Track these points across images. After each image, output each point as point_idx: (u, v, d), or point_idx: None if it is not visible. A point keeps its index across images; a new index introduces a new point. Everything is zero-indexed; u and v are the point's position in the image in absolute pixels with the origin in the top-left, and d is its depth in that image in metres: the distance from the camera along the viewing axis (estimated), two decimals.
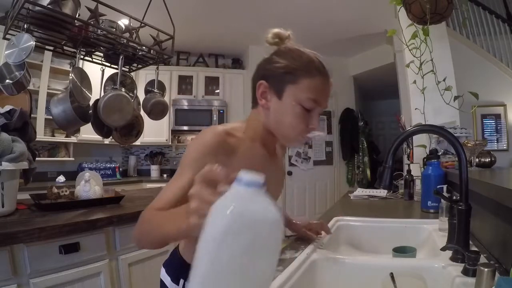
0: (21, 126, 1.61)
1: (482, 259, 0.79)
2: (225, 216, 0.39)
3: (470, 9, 3.98)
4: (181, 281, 0.85)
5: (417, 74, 2.17)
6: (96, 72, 2.14)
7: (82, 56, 2.04)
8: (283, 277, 0.74)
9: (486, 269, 0.56)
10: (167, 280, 0.90)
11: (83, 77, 1.94)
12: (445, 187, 1.38)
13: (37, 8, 1.57)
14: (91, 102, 2.05)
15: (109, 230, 1.55)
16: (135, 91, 2.31)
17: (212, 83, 4.68)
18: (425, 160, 1.90)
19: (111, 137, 2.33)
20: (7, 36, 1.72)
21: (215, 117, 4.52)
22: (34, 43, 1.55)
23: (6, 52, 1.55)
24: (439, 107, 2.14)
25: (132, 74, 2.50)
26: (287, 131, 0.81)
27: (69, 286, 1.37)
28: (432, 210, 1.45)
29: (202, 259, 0.40)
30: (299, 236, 1.07)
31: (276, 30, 0.87)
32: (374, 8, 3.38)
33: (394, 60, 3.92)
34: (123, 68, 2.15)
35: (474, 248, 0.86)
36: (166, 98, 2.79)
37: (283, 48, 0.85)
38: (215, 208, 0.41)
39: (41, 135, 3.31)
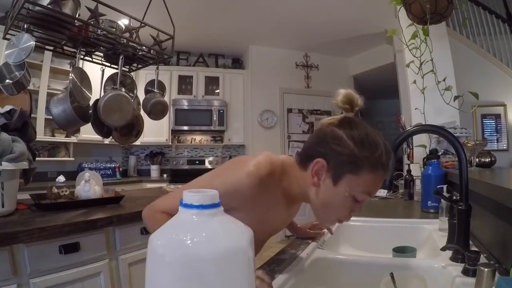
0: (21, 126, 1.61)
1: (482, 259, 0.79)
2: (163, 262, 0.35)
3: (470, 9, 3.98)
4: None
5: (417, 74, 2.17)
6: (96, 72, 2.13)
7: (82, 56, 2.04)
8: (283, 277, 0.74)
9: (486, 269, 0.56)
10: None
11: (83, 77, 1.94)
12: (445, 187, 1.38)
13: (37, 8, 1.57)
14: (91, 102, 2.05)
15: (109, 230, 1.55)
16: (135, 91, 2.31)
17: (212, 83, 4.68)
18: (425, 160, 1.90)
19: (111, 137, 2.33)
20: (7, 36, 1.72)
21: (215, 117, 4.52)
22: (34, 43, 1.55)
23: (6, 52, 1.55)
24: (439, 107, 2.14)
25: (132, 74, 2.50)
26: (329, 215, 0.78)
27: (69, 286, 1.37)
28: (432, 210, 1.45)
29: None
30: (306, 238, 1.07)
31: (347, 92, 0.78)
32: (374, 8, 3.38)
33: (394, 60, 3.92)
34: (123, 68, 2.15)
35: (474, 248, 0.86)
36: (166, 98, 2.79)
37: (357, 125, 0.75)
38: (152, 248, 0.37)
39: (41, 135, 3.31)
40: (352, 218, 1.32)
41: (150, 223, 0.79)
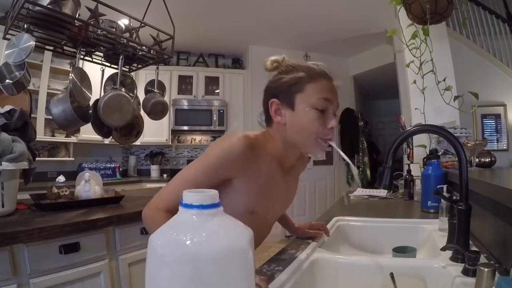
0: (21, 126, 1.61)
1: (482, 259, 0.79)
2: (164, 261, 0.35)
3: (470, 9, 3.97)
4: None
5: (417, 74, 2.17)
6: (96, 72, 2.13)
7: (82, 56, 2.04)
8: (283, 277, 0.74)
9: (486, 269, 0.56)
10: None
11: (83, 77, 1.94)
12: (445, 187, 1.38)
13: (37, 8, 1.57)
14: (91, 102, 2.05)
15: (109, 230, 1.55)
16: (135, 91, 2.31)
17: (212, 83, 4.68)
18: (425, 160, 1.90)
19: (111, 137, 2.33)
20: (7, 36, 1.72)
21: (215, 117, 4.52)
22: (34, 43, 1.55)
23: (6, 52, 1.55)
24: (439, 107, 2.14)
25: (132, 74, 2.50)
26: (308, 137, 0.82)
27: (69, 286, 1.37)
28: (432, 210, 1.45)
29: None
30: (306, 238, 1.09)
31: (271, 57, 0.90)
32: (374, 8, 3.38)
33: (394, 60, 3.91)
34: (123, 68, 2.15)
35: (474, 248, 0.86)
36: (166, 98, 2.79)
37: (283, 67, 0.88)
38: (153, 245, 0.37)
39: (41, 135, 3.31)
40: (352, 218, 1.34)
41: (150, 223, 0.79)
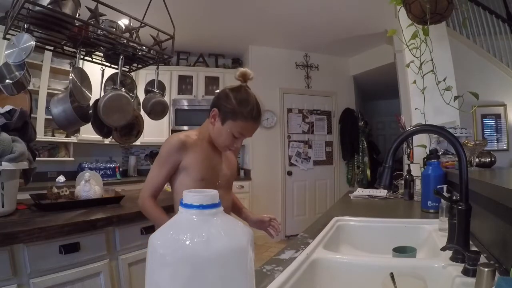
0: (21, 126, 1.61)
1: (482, 259, 0.79)
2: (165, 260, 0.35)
3: (470, 9, 3.97)
4: None
5: (417, 74, 2.17)
6: (96, 72, 2.14)
7: (82, 56, 2.04)
8: (283, 277, 0.74)
9: (486, 269, 0.56)
10: None
11: (83, 77, 1.94)
12: (445, 187, 1.38)
13: (37, 8, 1.57)
14: (91, 102, 2.05)
15: (109, 230, 1.55)
16: (135, 91, 2.31)
17: (212, 83, 4.68)
18: (425, 160, 1.90)
19: (111, 137, 2.33)
20: (7, 36, 1.72)
21: None
22: (34, 43, 1.55)
23: (6, 52, 1.55)
24: (439, 107, 2.14)
25: (132, 74, 2.50)
26: (221, 143, 1.26)
27: (69, 286, 1.37)
28: (432, 210, 1.45)
29: None
30: (259, 228, 1.45)
31: (243, 69, 1.26)
32: (374, 8, 3.38)
33: (394, 60, 3.91)
34: (123, 68, 2.15)
35: (474, 248, 0.86)
36: (166, 98, 2.79)
37: (241, 90, 1.23)
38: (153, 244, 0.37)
39: (41, 135, 3.31)
40: (352, 218, 1.34)
41: (145, 211, 1.28)
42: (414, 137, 2.10)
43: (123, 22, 2.12)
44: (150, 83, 2.55)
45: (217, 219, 0.37)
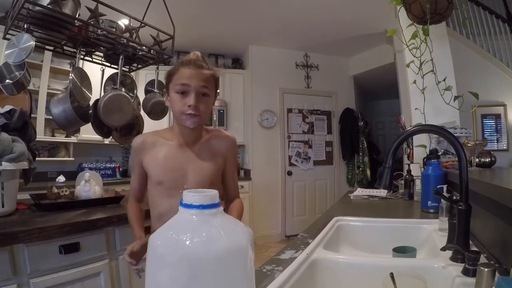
0: (21, 126, 1.61)
1: (482, 259, 0.79)
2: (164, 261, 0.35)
3: (470, 9, 3.98)
4: None
5: (417, 74, 2.17)
6: (96, 72, 2.13)
7: (82, 56, 2.04)
8: (283, 277, 0.74)
9: (486, 269, 0.56)
10: None
11: (83, 77, 1.94)
12: (445, 187, 1.38)
13: (37, 8, 1.57)
14: (91, 102, 2.05)
15: (109, 230, 1.55)
16: (135, 91, 2.31)
17: None
18: (425, 160, 1.90)
19: (111, 137, 2.33)
20: (7, 36, 1.72)
21: (215, 117, 4.51)
22: (34, 43, 1.55)
23: (6, 52, 1.55)
24: (439, 107, 2.14)
25: (132, 74, 2.50)
26: (176, 114, 1.12)
27: (69, 286, 1.37)
28: (432, 210, 1.45)
29: None
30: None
31: (198, 53, 1.17)
32: (374, 8, 3.38)
33: (394, 60, 3.91)
34: (123, 68, 2.15)
35: (474, 248, 0.86)
36: None
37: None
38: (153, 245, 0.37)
39: (41, 135, 3.31)
40: (352, 218, 1.34)
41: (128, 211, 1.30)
42: (414, 137, 2.10)
43: (123, 22, 2.12)
44: (150, 83, 2.55)
45: (217, 219, 0.37)
